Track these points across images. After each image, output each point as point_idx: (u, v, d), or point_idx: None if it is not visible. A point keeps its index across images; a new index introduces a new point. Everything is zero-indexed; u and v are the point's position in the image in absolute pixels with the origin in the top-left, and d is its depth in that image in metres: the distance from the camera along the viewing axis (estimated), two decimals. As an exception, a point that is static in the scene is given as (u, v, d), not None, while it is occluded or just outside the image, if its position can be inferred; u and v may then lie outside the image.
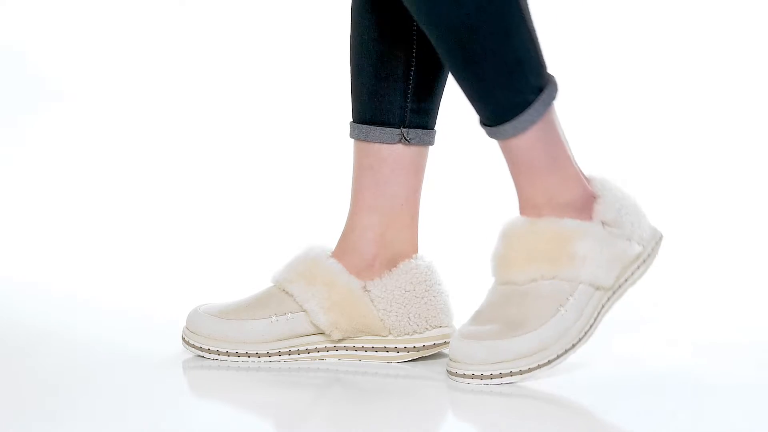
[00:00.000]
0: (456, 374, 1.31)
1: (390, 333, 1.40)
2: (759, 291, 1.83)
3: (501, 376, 1.30)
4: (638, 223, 1.39)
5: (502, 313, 1.33)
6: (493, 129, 1.32)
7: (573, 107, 1.51)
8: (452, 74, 1.32)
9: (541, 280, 1.34)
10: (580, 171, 1.38)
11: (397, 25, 1.39)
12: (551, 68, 1.34)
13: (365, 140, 1.41)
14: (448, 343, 1.40)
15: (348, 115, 1.44)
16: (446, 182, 2.23)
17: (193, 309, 1.43)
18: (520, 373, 1.30)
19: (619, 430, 1.20)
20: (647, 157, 2.38)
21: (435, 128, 1.44)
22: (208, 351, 1.41)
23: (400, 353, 1.40)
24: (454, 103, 1.46)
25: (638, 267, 1.39)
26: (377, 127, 1.41)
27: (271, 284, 1.43)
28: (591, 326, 1.35)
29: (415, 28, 1.39)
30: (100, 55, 2.51)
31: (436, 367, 1.38)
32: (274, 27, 2.43)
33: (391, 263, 1.42)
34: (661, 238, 1.42)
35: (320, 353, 1.41)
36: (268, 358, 1.40)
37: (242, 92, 2.48)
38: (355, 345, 1.41)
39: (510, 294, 1.34)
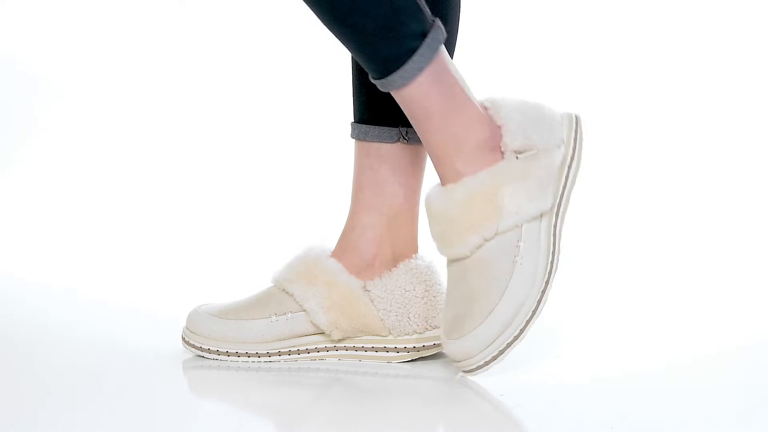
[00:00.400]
0: (472, 370, 1.31)
1: (390, 333, 1.40)
2: (759, 291, 1.83)
3: (502, 352, 1.30)
4: (549, 129, 1.35)
5: (466, 292, 1.31)
6: (383, 81, 1.30)
7: (573, 107, 1.50)
8: (331, 32, 1.30)
9: (486, 243, 1.32)
10: (481, 106, 1.35)
11: None
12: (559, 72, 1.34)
13: (365, 140, 1.41)
14: None
15: (350, 114, 1.45)
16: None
17: (193, 309, 1.44)
18: (516, 338, 1.30)
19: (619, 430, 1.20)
20: (647, 157, 2.38)
21: None
22: (208, 351, 1.41)
23: (400, 353, 1.40)
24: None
25: (569, 167, 1.35)
26: (376, 127, 1.41)
27: (271, 284, 1.43)
28: (553, 253, 1.33)
29: None
30: (100, 55, 2.51)
31: (436, 367, 1.38)
32: (274, 27, 2.43)
33: (392, 263, 1.42)
34: (577, 121, 1.38)
35: (320, 353, 1.41)
36: (268, 358, 1.40)
37: (243, 92, 2.48)
38: (355, 345, 1.41)
39: (464, 270, 1.33)
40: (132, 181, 2.37)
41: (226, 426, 1.21)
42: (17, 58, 2.49)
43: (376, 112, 1.41)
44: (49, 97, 2.49)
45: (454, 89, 1.32)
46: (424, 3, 1.30)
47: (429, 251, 1.44)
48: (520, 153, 1.33)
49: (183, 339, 1.43)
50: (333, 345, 1.41)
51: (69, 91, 2.49)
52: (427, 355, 1.41)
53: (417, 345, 1.40)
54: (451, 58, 1.41)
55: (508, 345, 1.30)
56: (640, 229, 2.18)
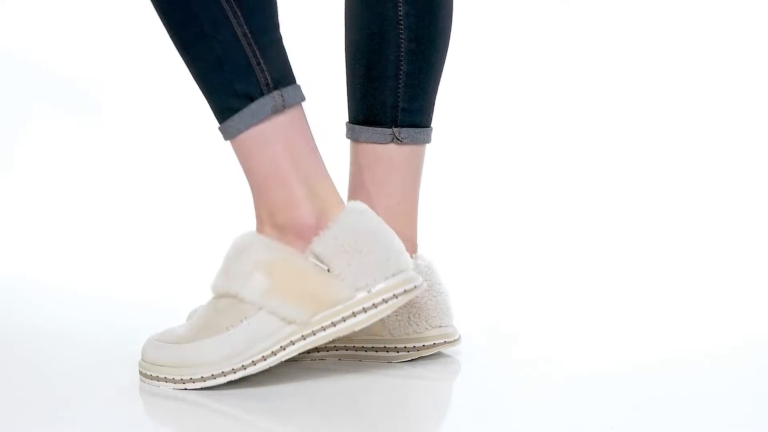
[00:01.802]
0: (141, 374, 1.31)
1: (390, 333, 1.39)
2: (758, 290, 1.83)
3: (151, 377, 1.30)
4: (363, 266, 1.28)
5: (202, 314, 1.31)
6: (219, 126, 1.31)
7: (573, 108, 1.50)
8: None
9: (225, 297, 1.30)
10: (330, 194, 1.30)
11: (385, 26, 1.39)
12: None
13: (358, 140, 1.41)
14: (449, 342, 1.40)
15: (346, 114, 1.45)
16: (446, 181, 2.23)
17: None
18: (165, 380, 1.30)
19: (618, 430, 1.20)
20: (647, 157, 2.38)
21: (431, 126, 1.43)
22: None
23: (400, 353, 1.39)
24: (453, 102, 1.46)
25: (354, 314, 1.27)
26: (369, 128, 1.41)
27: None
28: (266, 358, 1.28)
29: (402, 28, 1.39)
30: (101, 55, 2.51)
31: (436, 367, 1.38)
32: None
33: None
34: (409, 290, 1.29)
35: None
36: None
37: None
38: (355, 345, 1.39)
39: (208, 303, 1.32)
40: (132, 181, 2.37)
41: (225, 426, 1.21)
42: (16, 58, 2.49)
43: (370, 112, 1.41)
44: (48, 98, 2.49)
45: (277, 163, 1.29)
46: (269, 67, 1.28)
47: (429, 251, 1.44)
48: (319, 260, 1.28)
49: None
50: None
51: (69, 90, 2.49)
52: (427, 354, 1.40)
53: (417, 345, 1.39)
54: (443, 60, 1.41)
55: (154, 378, 1.30)
56: (639, 229, 2.17)
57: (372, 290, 1.28)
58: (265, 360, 1.28)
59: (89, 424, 1.20)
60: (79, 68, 2.50)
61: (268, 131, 1.29)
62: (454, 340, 1.40)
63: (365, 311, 1.28)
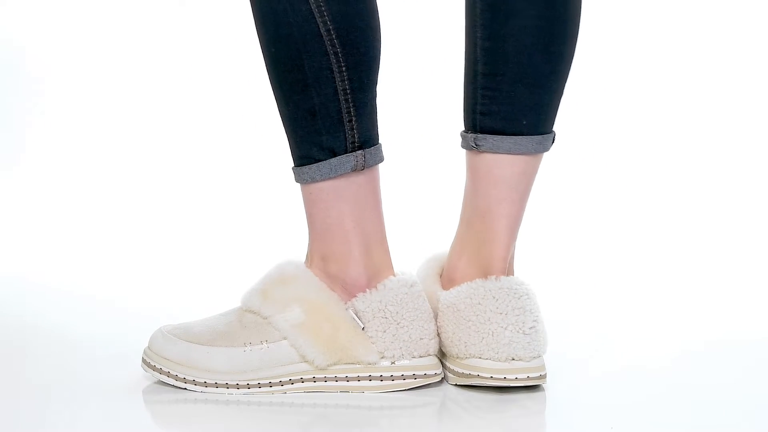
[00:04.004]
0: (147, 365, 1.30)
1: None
2: (758, 289, 1.82)
3: (153, 369, 1.30)
4: (397, 338, 1.28)
5: (225, 321, 1.31)
6: (294, 167, 1.31)
7: (572, 108, 1.50)
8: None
9: (254, 314, 1.30)
10: (384, 259, 1.30)
11: (468, 22, 1.31)
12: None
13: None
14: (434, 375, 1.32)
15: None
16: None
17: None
18: (168, 375, 1.29)
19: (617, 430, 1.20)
20: (647, 156, 2.38)
21: (538, 133, 1.30)
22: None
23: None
24: (449, 111, 1.44)
25: (370, 378, 1.28)
26: (463, 132, 1.33)
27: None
28: (272, 386, 1.28)
29: (478, 26, 1.30)
30: (101, 55, 2.51)
31: (427, 398, 1.30)
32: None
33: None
34: (429, 375, 1.29)
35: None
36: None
37: (242, 92, 2.47)
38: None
39: (235, 313, 1.32)
40: (131, 181, 2.37)
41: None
42: (16, 57, 2.49)
43: (465, 115, 1.33)
44: (48, 98, 2.49)
45: (342, 219, 1.29)
46: (359, 125, 1.28)
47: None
48: (357, 316, 1.28)
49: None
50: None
51: (67, 90, 2.49)
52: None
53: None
54: (537, 61, 1.28)
55: (162, 371, 1.29)
56: (640, 229, 2.17)
57: (396, 363, 1.28)
58: (270, 387, 1.28)
59: (89, 424, 1.20)
60: (79, 68, 2.50)
61: (342, 187, 1.28)
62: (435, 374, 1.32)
63: (381, 380, 1.28)
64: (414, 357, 1.29)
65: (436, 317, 1.32)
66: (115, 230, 2.19)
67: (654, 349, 1.49)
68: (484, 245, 1.31)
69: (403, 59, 2.20)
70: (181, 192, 2.33)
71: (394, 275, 1.31)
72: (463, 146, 1.33)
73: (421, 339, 1.29)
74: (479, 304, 1.28)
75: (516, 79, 1.28)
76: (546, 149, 1.32)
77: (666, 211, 2.22)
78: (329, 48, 1.26)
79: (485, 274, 1.30)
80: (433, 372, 1.29)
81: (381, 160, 1.31)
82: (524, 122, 1.29)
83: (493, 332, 1.27)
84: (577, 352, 1.46)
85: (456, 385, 1.30)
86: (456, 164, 1.36)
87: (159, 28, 2.51)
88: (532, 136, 1.30)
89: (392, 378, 1.28)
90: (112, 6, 2.51)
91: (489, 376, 1.27)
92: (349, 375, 1.28)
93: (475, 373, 1.27)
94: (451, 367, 1.30)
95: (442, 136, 1.71)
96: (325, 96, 1.26)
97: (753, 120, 2.41)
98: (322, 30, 1.25)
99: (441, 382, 1.32)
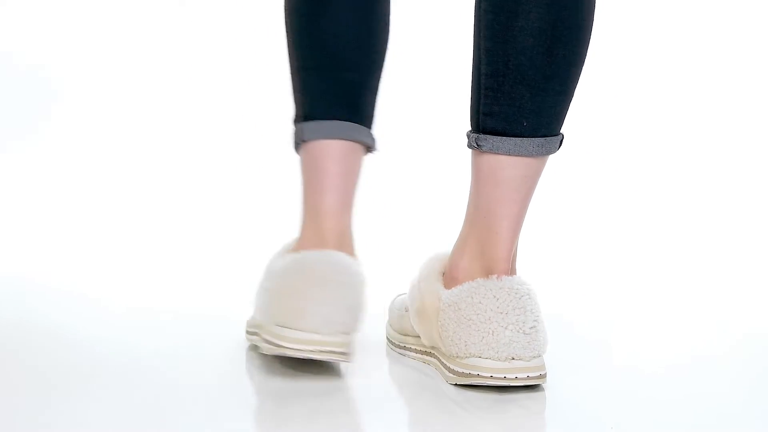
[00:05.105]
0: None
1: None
2: (758, 290, 1.83)
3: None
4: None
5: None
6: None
7: (573, 108, 1.50)
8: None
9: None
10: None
11: (475, 21, 1.32)
12: None
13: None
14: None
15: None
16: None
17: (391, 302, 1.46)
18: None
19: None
20: (647, 156, 2.38)
21: (539, 136, 1.30)
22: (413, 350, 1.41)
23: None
24: (458, 110, 1.43)
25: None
26: (468, 132, 1.35)
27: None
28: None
29: (480, 26, 1.32)
30: (101, 54, 2.51)
31: (427, 397, 1.31)
32: (274, 27, 2.43)
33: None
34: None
35: (420, 354, 1.39)
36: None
37: (242, 93, 2.47)
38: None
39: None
40: (132, 181, 2.37)
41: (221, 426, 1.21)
42: (17, 56, 2.49)
43: (471, 114, 1.35)
44: (47, 98, 2.49)
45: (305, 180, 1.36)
46: (312, 95, 1.38)
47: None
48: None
49: (388, 339, 1.46)
50: (425, 350, 1.38)
51: (68, 92, 2.49)
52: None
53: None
54: (538, 63, 1.28)
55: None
56: (641, 229, 2.18)
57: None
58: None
59: (89, 424, 1.20)
60: (79, 68, 2.50)
61: (307, 153, 1.38)
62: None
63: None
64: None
65: (437, 316, 1.32)
66: (116, 230, 2.19)
67: (654, 349, 1.50)
68: (486, 245, 1.31)
69: (415, 58, 2.20)
70: (181, 192, 2.33)
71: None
72: (468, 146, 1.33)
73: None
74: (480, 303, 1.28)
75: (517, 80, 1.28)
76: (550, 152, 1.31)
77: (667, 212, 2.23)
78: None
79: (487, 273, 1.31)
80: (454, 381, 1.31)
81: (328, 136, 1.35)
82: (525, 124, 1.29)
83: (493, 331, 1.27)
84: (577, 352, 1.46)
85: (456, 385, 1.30)
86: (462, 163, 1.36)
87: (159, 28, 2.51)
88: (534, 138, 1.29)
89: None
90: (112, 6, 2.52)
91: (489, 375, 1.27)
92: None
93: (475, 373, 1.27)
94: (451, 366, 1.30)
95: (450, 136, 1.72)
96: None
97: (754, 120, 2.41)
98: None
99: (434, 379, 1.33)
